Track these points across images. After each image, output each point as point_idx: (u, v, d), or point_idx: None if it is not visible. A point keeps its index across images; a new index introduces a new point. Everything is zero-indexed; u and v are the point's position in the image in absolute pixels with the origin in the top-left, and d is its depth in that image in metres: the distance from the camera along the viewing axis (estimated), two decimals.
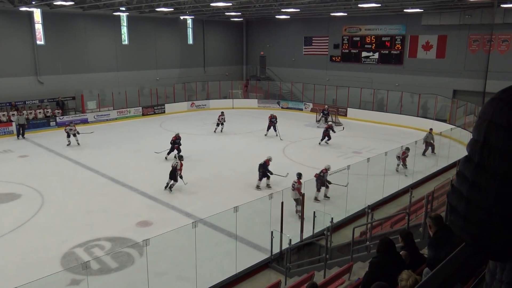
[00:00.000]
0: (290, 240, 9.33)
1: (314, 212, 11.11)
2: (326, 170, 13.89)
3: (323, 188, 13.95)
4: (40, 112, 25.47)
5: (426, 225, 5.34)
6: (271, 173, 15.23)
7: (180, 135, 19.23)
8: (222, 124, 24.23)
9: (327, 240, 9.09)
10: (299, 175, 12.86)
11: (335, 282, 7.39)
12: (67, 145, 21.18)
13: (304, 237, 10.65)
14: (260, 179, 15.30)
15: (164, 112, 30.50)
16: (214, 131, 24.33)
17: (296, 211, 12.39)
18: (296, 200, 12.49)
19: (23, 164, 18.33)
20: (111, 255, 10.35)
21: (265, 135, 23.40)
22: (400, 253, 5.26)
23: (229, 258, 9.53)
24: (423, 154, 19.17)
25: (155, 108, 30.21)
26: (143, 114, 29.42)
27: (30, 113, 25.12)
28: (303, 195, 11.78)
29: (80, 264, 8.67)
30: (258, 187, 15.23)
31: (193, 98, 33.22)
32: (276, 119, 23.30)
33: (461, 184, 1.11)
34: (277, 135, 22.88)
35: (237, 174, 17.03)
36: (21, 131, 22.83)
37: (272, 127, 23.20)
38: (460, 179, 1.12)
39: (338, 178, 13.18)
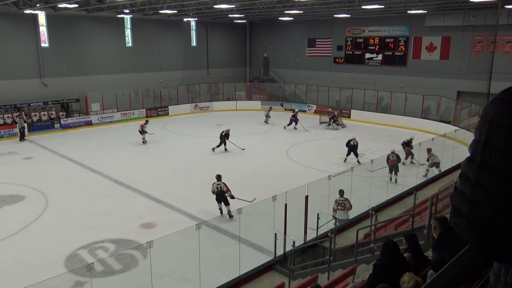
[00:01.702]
0: (294, 242, 9.29)
1: (318, 214, 11.08)
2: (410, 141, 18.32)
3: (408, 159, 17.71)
4: (44, 114, 25.57)
5: (431, 226, 5.31)
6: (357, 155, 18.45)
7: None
8: (269, 117, 27.90)
9: (331, 242, 9.06)
10: (342, 192, 11.70)
11: (339, 284, 7.36)
12: (143, 143, 22.27)
13: (308, 239, 10.61)
14: (348, 154, 18.63)
15: (167, 114, 30.58)
16: (267, 122, 27.76)
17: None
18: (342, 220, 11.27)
19: (27, 166, 18.41)
20: (115, 257, 10.37)
21: (284, 128, 26.11)
22: (404, 255, 5.24)
23: (232, 260, 9.51)
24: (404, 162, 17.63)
25: (158, 110, 30.29)
26: (147, 116, 29.47)
27: (35, 115, 25.25)
28: (306, 196, 11.75)
29: (84, 266, 8.68)
30: (345, 160, 18.61)
31: (197, 100, 33.29)
32: (296, 116, 26.31)
33: (464, 185, 1.11)
34: (305, 130, 25.80)
35: (241, 175, 17.02)
36: (20, 134, 23.07)
37: (294, 122, 25.92)
38: (463, 180, 1.12)
39: (341, 179, 13.13)
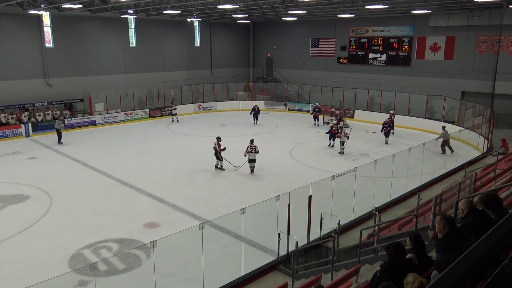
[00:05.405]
0: (297, 242, 9.28)
1: (322, 214, 11.06)
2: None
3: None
4: (48, 114, 25.69)
5: (435, 226, 5.28)
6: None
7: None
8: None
9: (334, 242, 9.04)
10: (253, 140, 17.16)
11: (342, 285, 7.34)
12: (172, 121, 28.44)
13: (311, 239, 10.60)
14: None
15: (171, 114, 30.58)
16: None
17: (252, 170, 16.89)
18: (254, 160, 16.80)
19: (31, 166, 18.49)
20: (119, 257, 10.39)
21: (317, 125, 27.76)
22: (408, 255, 5.21)
23: (236, 260, 9.52)
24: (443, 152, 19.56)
25: (162, 110, 30.34)
26: (151, 116, 29.56)
27: (39, 115, 25.36)
28: (310, 197, 11.72)
29: (88, 265, 8.72)
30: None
31: (200, 100, 33.34)
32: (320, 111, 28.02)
33: None
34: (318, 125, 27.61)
35: (244, 175, 17.02)
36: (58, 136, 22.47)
37: (316, 119, 27.60)
38: None
39: (345, 179, 13.12)
